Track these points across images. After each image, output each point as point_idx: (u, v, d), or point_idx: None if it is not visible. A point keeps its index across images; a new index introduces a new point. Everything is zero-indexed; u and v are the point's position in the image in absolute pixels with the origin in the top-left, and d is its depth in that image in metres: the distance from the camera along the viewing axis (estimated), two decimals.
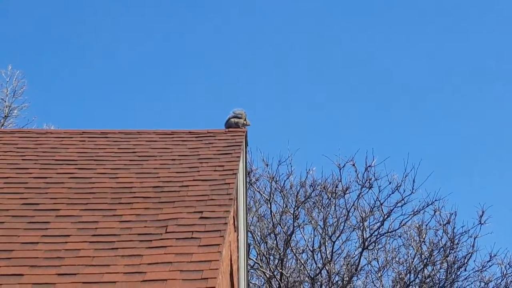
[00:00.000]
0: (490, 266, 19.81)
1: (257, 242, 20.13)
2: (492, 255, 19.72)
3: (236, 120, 10.41)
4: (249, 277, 18.80)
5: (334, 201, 20.05)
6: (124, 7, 35.00)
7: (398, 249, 20.35)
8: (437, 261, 19.86)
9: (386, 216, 19.77)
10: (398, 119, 32.55)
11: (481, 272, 19.81)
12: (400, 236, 20.23)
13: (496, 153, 31.11)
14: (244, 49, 34.90)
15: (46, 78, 34.23)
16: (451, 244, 19.84)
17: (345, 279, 19.78)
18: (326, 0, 34.27)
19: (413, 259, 19.98)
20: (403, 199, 19.69)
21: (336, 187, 19.99)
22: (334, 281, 19.75)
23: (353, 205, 19.86)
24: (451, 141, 32.50)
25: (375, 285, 20.24)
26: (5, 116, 23.02)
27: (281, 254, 19.84)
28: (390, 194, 19.76)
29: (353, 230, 20.10)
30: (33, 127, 22.09)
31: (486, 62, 33.91)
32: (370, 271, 20.23)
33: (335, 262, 19.98)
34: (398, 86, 33.51)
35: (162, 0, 34.59)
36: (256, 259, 19.88)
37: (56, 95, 33.93)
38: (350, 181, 19.93)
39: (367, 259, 20.13)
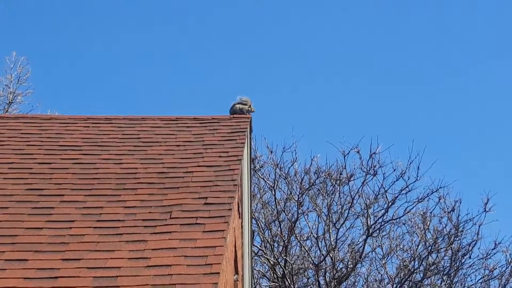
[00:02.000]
0: (494, 254, 19.80)
1: (261, 229, 20.13)
2: (497, 243, 19.70)
3: (241, 106, 10.38)
4: (253, 264, 18.82)
5: (338, 188, 20.02)
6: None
7: (403, 237, 20.34)
8: (441, 248, 19.83)
9: (390, 203, 19.74)
10: (403, 105, 32.50)
11: (485, 259, 19.80)
12: (404, 224, 20.22)
13: (501, 140, 31.05)
14: (251, 35, 34.84)
15: (50, 64, 34.21)
16: (456, 231, 19.80)
17: (349, 266, 19.78)
18: None
19: (418, 246, 19.97)
20: (407, 186, 19.65)
21: (341, 174, 19.95)
22: (338, 268, 19.75)
23: (357, 192, 19.83)
24: (456, 128, 32.46)
25: (379, 272, 20.25)
26: (9, 102, 23.03)
27: (285, 241, 19.84)
28: (394, 181, 19.73)
29: (357, 217, 20.08)
30: (37, 113, 22.09)
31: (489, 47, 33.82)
32: (374, 258, 20.23)
33: (339, 249, 19.97)
34: (403, 73, 33.45)
35: None
36: (260, 246, 19.88)
37: (60, 82, 33.92)
38: (354, 168, 19.91)
39: (372, 246, 20.13)
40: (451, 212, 19.90)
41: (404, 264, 19.89)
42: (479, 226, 19.65)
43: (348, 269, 19.73)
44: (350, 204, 19.83)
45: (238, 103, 10.42)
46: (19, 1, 34.26)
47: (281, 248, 20.02)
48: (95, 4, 35.08)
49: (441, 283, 19.72)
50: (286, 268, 19.51)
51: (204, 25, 34.71)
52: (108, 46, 35.11)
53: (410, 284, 19.69)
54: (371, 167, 19.73)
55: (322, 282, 19.59)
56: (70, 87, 34.12)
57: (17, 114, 18.65)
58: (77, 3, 34.75)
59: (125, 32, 35.10)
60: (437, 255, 19.92)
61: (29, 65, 23.49)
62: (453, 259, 19.77)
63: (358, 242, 20.06)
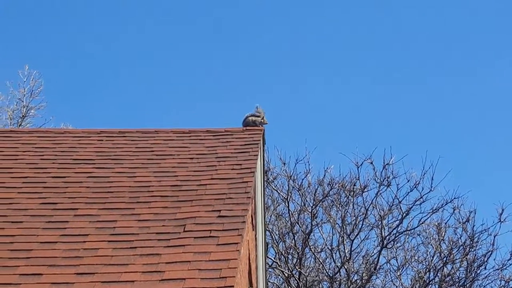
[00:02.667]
0: (510, 265, 19.68)
1: (275, 241, 20.09)
2: None
3: (253, 118, 10.38)
4: (268, 276, 18.77)
5: (352, 199, 19.98)
6: (137, 8, 35.05)
7: (417, 248, 20.26)
8: (456, 259, 19.74)
9: (404, 214, 19.67)
10: (416, 116, 32.43)
11: (501, 270, 19.68)
12: (419, 235, 20.14)
13: None
14: (263, 47, 34.88)
15: (63, 77, 34.36)
16: (471, 242, 19.70)
17: (364, 278, 19.70)
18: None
19: (433, 257, 19.88)
20: (421, 197, 19.58)
21: (354, 185, 19.91)
22: (353, 280, 19.67)
23: (371, 203, 19.78)
24: (470, 139, 32.34)
25: (394, 284, 20.16)
26: (23, 116, 23.13)
27: (299, 253, 19.79)
28: (408, 192, 19.68)
29: (371, 229, 20.02)
30: (50, 126, 22.19)
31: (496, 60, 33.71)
32: (389, 270, 20.15)
33: (354, 261, 19.91)
34: (416, 84, 33.38)
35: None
36: (274, 258, 19.84)
37: (72, 95, 34.05)
38: (368, 179, 19.87)
39: (386, 258, 20.05)
40: (466, 223, 19.82)
41: (419, 275, 19.80)
42: (495, 237, 19.57)
43: (363, 281, 19.64)
44: (364, 215, 19.77)
45: (251, 115, 10.42)
46: (30, 15, 34.45)
47: (295, 260, 19.97)
48: (109, 19, 35.23)
49: None
50: (301, 280, 19.45)
51: (218, 35, 34.79)
52: (121, 59, 35.23)
53: None
54: (384, 178, 19.69)
55: None
56: (82, 100, 34.24)
57: (30, 128, 18.72)
58: (89, 17, 34.90)
59: (137, 46, 35.22)
60: (452, 266, 19.82)
61: (41, 78, 23.63)
62: (468, 270, 19.65)
63: (373, 254, 20.01)
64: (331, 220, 19.94)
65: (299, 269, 19.53)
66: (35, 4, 34.43)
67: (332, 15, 34.22)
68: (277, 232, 20.21)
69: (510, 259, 19.58)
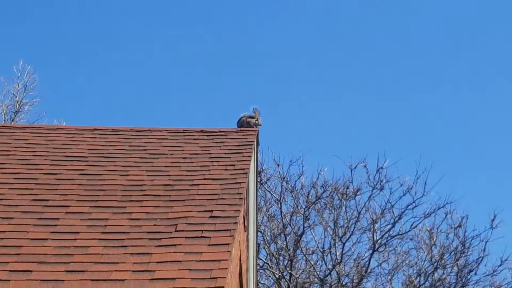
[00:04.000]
0: (501, 271, 19.72)
1: (267, 242, 20.08)
2: (503, 260, 19.63)
3: (248, 119, 10.37)
4: (258, 277, 18.75)
5: (345, 202, 19.99)
6: (133, 6, 35.01)
7: (409, 252, 20.28)
8: (447, 264, 19.77)
9: (397, 219, 19.70)
10: (410, 120, 32.46)
11: (492, 276, 19.72)
12: (411, 239, 20.17)
13: (509, 157, 30.94)
14: (258, 48, 34.88)
15: (57, 73, 34.30)
16: (462, 247, 19.74)
17: (354, 281, 19.71)
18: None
19: (424, 262, 19.91)
20: (414, 202, 19.63)
21: (347, 188, 19.93)
22: (344, 283, 19.68)
23: (364, 206, 19.81)
24: (463, 144, 32.38)
25: None
26: (16, 111, 23.08)
27: (290, 255, 19.78)
28: (401, 196, 19.72)
29: (363, 232, 20.04)
30: (44, 122, 22.16)
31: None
32: (380, 274, 20.16)
33: (345, 264, 19.91)
34: (410, 88, 33.42)
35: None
36: (265, 259, 19.83)
37: (67, 91, 34.00)
38: (361, 183, 19.90)
39: (378, 261, 20.07)
40: (458, 228, 19.86)
41: (410, 279, 19.80)
42: (486, 243, 19.61)
43: (354, 284, 19.65)
44: (356, 218, 19.79)
45: (246, 116, 10.41)
46: (25, 10, 34.39)
47: (286, 261, 19.96)
48: (104, 15, 35.20)
49: None
50: (291, 282, 19.44)
51: (213, 37, 34.78)
52: (115, 56, 35.19)
53: None
54: (378, 182, 19.72)
55: None
56: (77, 96, 34.18)
57: (23, 124, 18.68)
58: (84, 14, 34.85)
59: (132, 41, 35.19)
60: (443, 271, 19.85)
61: (36, 74, 23.59)
62: (459, 276, 19.68)
63: (364, 257, 20.02)
64: (323, 223, 19.94)
65: (290, 271, 19.51)
66: (32, 1, 34.37)
67: (327, 15, 34.25)
68: (269, 233, 20.21)
69: (500, 265, 19.63)
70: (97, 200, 7.86)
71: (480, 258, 19.65)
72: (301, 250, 19.85)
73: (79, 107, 33.35)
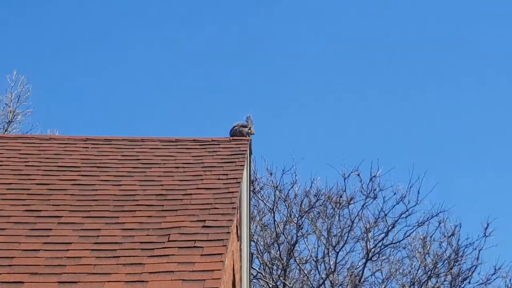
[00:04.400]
0: (494, 279, 19.72)
1: (260, 252, 20.05)
2: (497, 268, 19.64)
3: (241, 128, 10.36)
4: (252, 287, 18.71)
5: (338, 211, 19.98)
6: (128, 14, 35.02)
7: (402, 261, 20.28)
8: (441, 273, 19.77)
9: (390, 227, 19.70)
10: (403, 129, 32.51)
11: (485, 285, 19.72)
12: (404, 248, 20.17)
13: (502, 166, 31.00)
14: (249, 57, 34.92)
15: (51, 83, 34.26)
16: (456, 256, 19.74)
17: None
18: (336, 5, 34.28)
19: (417, 271, 19.90)
20: (407, 210, 19.63)
21: (341, 197, 19.93)
22: None
23: (357, 215, 19.79)
24: (457, 153, 32.43)
25: None
26: (9, 121, 23.03)
27: (284, 264, 19.76)
28: (394, 205, 19.72)
29: (357, 241, 20.02)
30: (37, 133, 22.11)
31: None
32: (374, 283, 20.15)
33: (339, 273, 19.89)
34: (402, 96, 33.47)
35: (166, 10, 34.63)
36: (259, 269, 19.79)
37: (60, 101, 33.95)
38: (354, 191, 19.89)
39: (371, 270, 20.06)
40: (451, 237, 19.86)
41: None
42: (479, 251, 19.62)
43: None
44: (350, 227, 19.77)
45: (239, 126, 10.40)
46: (19, 20, 34.36)
47: (280, 271, 19.93)
48: (97, 24, 35.19)
49: None
50: None
51: (205, 45, 34.78)
52: (109, 66, 35.17)
53: None
54: (371, 191, 19.72)
55: None
56: (70, 106, 34.13)
57: (16, 134, 18.64)
58: (79, 23, 34.84)
59: (126, 51, 35.17)
60: (437, 280, 19.84)
61: (29, 84, 23.55)
62: (452, 284, 19.67)
63: (358, 266, 20.00)
64: (316, 232, 19.92)
65: (283, 280, 19.48)
66: (25, 9, 34.35)
67: (324, 28, 34.30)
68: (262, 243, 20.18)
69: (494, 273, 19.63)
70: (89, 210, 7.83)
71: (474, 267, 19.66)
72: (295, 259, 19.83)
73: (71, 116, 33.31)
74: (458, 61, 34.30)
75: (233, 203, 7.99)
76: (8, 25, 33.79)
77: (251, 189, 11.85)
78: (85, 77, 35.01)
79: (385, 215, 19.68)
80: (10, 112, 23.15)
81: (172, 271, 6.59)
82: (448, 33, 34.42)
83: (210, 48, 34.43)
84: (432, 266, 19.77)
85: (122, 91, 35.17)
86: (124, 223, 7.55)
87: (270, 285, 19.56)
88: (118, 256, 6.87)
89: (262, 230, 20.28)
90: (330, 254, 19.67)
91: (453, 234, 19.84)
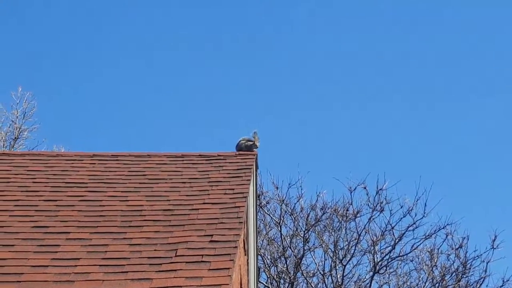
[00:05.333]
0: None
1: (267, 266, 20.04)
2: (505, 280, 19.56)
3: (246, 143, 10.40)
4: None
5: (345, 225, 19.96)
6: (129, 33, 35.16)
7: (410, 273, 20.23)
8: (449, 285, 19.70)
9: (397, 240, 19.66)
10: (410, 141, 32.51)
11: None
12: (411, 260, 20.12)
13: (510, 178, 30.95)
14: (255, 69, 34.99)
15: (56, 99, 34.37)
16: (463, 268, 19.69)
17: None
18: (344, 17, 34.37)
19: (425, 283, 19.84)
20: (414, 223, 19.58)
21: (347, 210, 19.90)
22: None
23: (364, 228, 19.76)
24: (463, 165, 32.40)
25: None
26: (15, 138, 23.10)
27: (291, 278, 19.74)
28: (401, 218, 19.67)
29: (364, 254, 19.99)
30: (43, 149, 22.18)
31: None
32: None
33: (346, 286, 19.85)
34: (409, 108, 33.48)
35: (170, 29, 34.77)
36: (266, 283, 19.77)
37: (66, 117, 34.05)
38: (361, 204, 19.86)
39: (379, 283, 20.01)
40: (459, 249, 19.81)
41: None
42: (487, 263, 19.55)
43: None
44: (356, 240, 19.75)
45: (245, 140, 10.44)
46: (25, 36, 34.51)
47: (287, 285, 19.91)
48: (102, 41, 35.33)
49: None
50: None
51: (211, 60, 34.88)
52: (114, 83, 35.28)
53: None
54: (378, 203, 19.68)
55: None
56: (76, 122, 34.23)
57: (23, 151, 18.69)
58: (84, 40, 34.99)
59: (130, 65, 35.28)
60: None
61: (34, 100, 23.64)
62: None
63: (365, 279, 19.95)
64: (323, 245, 19.90)
65: None
66: (30, 27, 34.52)
67: (329, 42, 34.38)
68: (269, 257, 20.17)
69: (502, 285, 19.57)
70: (97, 226, 7.87)
71: (482, 279, 19.59)
72: (302, 273, 19.80)
73: (78, 133, 33.39)
74: (466, 73, 34.32)
75: (240, 217, 8.02)
76: (14, 41, 33.93)
77: (257, 203, 11.87)
78: (90, 93, 35.12)
79: (392, 227, 19.65)
80: (16, 129, 23.23)
81: (180, 286, 6.62)
82: (456, 44, 34.47)
83: (215, 54, 34.49)
84: (440, 279, 19.72)
85: (126, 102, 35.24)
86: (131, 238, 7.58)
87: None
88: (126, 272, 6.90)
89: (269, 244, 20.27)
90: (337, 267, 19.65)
91: (460, 246, 19.79)
